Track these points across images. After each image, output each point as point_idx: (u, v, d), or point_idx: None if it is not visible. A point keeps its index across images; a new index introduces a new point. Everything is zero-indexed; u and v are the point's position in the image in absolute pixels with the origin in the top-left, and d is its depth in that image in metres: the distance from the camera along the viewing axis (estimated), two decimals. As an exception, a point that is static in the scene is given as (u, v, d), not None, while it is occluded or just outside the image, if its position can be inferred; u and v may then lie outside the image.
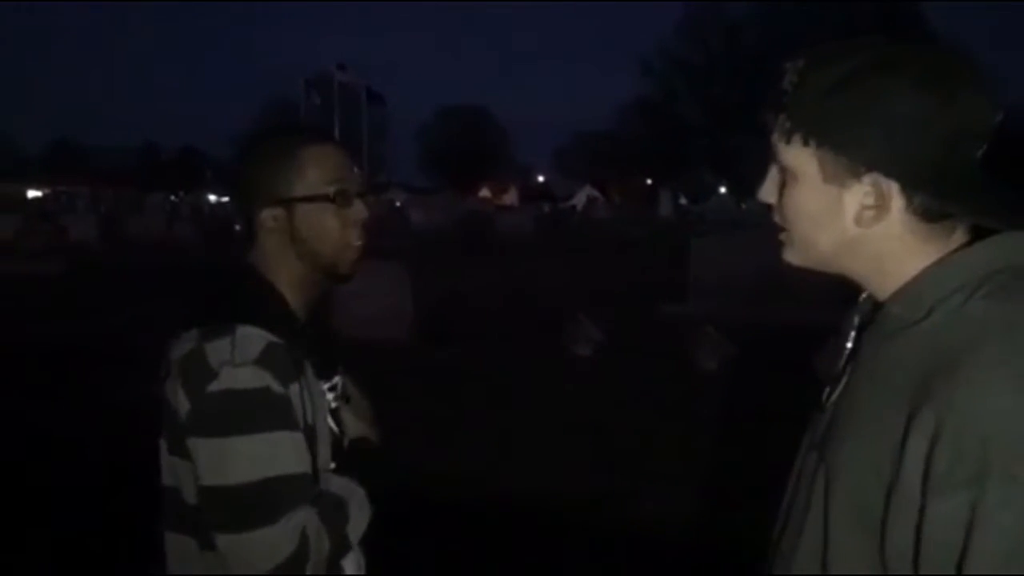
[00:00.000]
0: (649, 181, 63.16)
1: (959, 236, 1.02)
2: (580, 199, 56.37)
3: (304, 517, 1.39)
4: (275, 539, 1.35)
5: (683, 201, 48.60)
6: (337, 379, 1.65)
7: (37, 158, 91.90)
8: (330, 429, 1.54)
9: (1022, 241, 0.99)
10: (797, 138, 1.02)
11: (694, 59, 56.46)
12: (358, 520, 1.51)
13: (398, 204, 47.11)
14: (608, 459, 5.57)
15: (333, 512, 1.45)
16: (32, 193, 63.40)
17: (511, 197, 65.07)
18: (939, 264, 1.00)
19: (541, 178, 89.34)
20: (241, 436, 1.36)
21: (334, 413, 1.57)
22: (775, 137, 1.05)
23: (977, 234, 1.02)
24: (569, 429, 6.28)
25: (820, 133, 0.99)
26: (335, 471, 1.52)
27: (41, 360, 8.15)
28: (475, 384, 7.58)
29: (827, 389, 1.12)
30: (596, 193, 59.62)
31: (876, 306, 1.07)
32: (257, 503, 1.35)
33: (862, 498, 0.98)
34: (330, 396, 1.58)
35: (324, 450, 1.50)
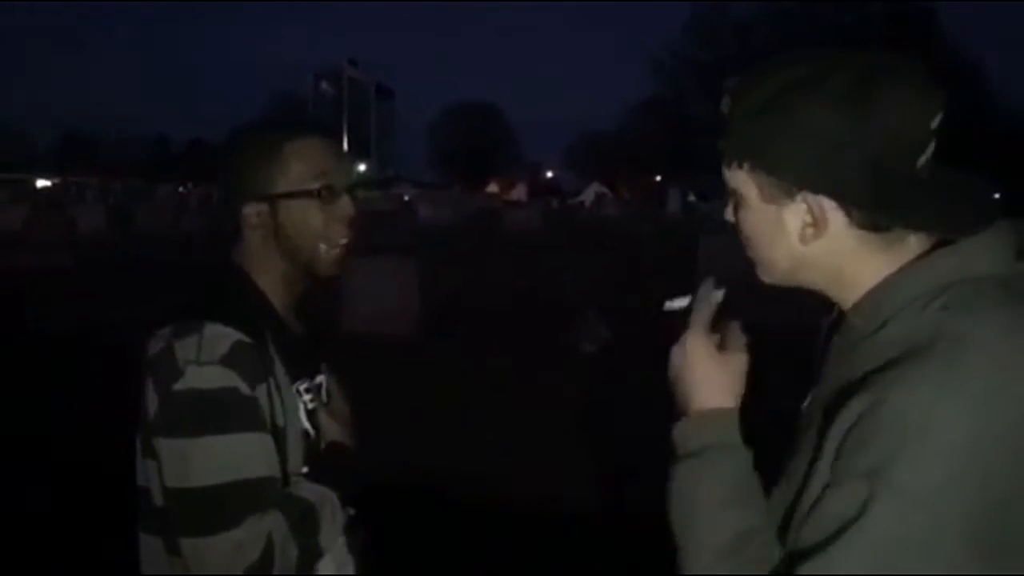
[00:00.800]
0: (658, 178, 63.12)
1: (917, 242, 1.01)
2: (588, 195, 56.40)
3: (270, 522, 1.34)
4: (238, 544, 1.31)
5: (692, 198, 48.51)
6: (320, 379, 1.60)
7: (47, 149, 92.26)
8: (304, 431, 1.49)
9: (980, 250, 0.98)
10: (734, 161, 1.04)
11: (703, 57, 56.35)
12: (330, 526, 1.45)
13: (406, 199, 47.18)
14: (613, 458, 5.55)
15: (302, 518, 1.39)
16: (41, 183, 63.60)
17: (519, 193, 65.05)
18: (896, 275, 1.00)
19: (550, 174, 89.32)
20: (204, 437, 1.32)
21: (311, 415, 1.52)
22: (722, 162, 1.06)
23: (939, 239, 1.01)
24: (573, 427, 6.26)
25: (750, 155, 1.01)
26: (308, 475, 1.46)
27: (47, 351, 8.17)
28: (480, 381, 7.56)
29: (808, 398, 1.13)
30: (604, 190, 59.64)
31: (841, 315, 1.08)
32: (220, 506, 1.31)
33: (795, 483, 1.00)
34: (307, 397, 1.52)
35: (295, 453, 1.45)
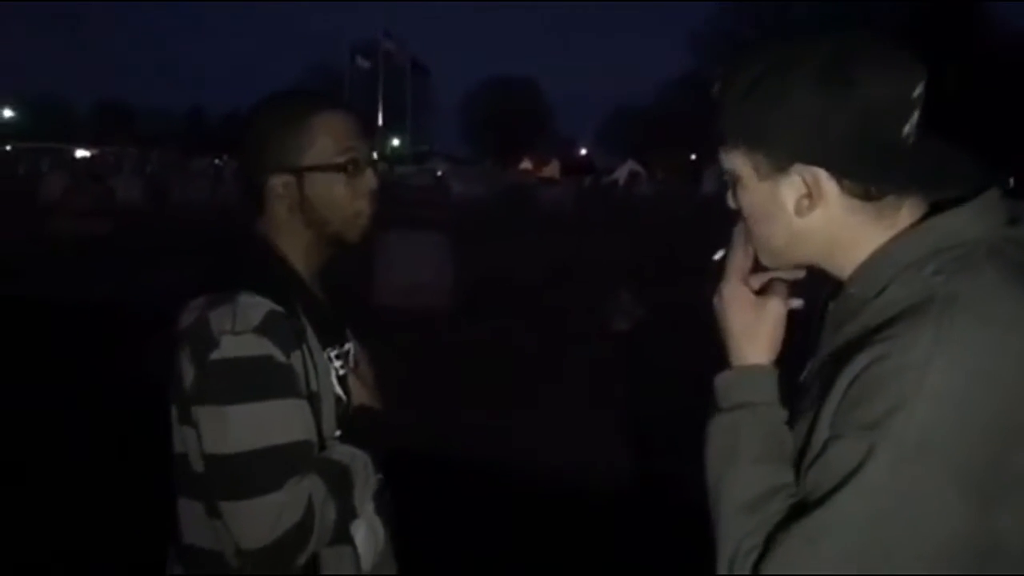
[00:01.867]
0: (693, 157, 62.56)
1: (909, 210, 1.05)
2: (622, 174, 55.96)
3: (309, 485, 1.38)
4: (280, 506, 1.34)
5: (727, 178, 48.02)
6: (348, 346, 1.63)
7: (85, 119, 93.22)
8: (337, 397, 1.52)
9: (970, 216, 1.02)
10: (729, 143, 1.09)
11: (742, 32, 55.63)
12: (363, 487, 1.49)
13: (439, 174, 47.15)
14: (640, 437, 5.56)
15: (338, 479, 1.43)
16: (80, 153, 64.30)
17: (552, 170, 64.74)
18: (892, 242, 1.04)
19: (583, 151, 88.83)
20: (242, 404, 1.35)
21: (342, 380, 1.55)
22: (719, 148, 1.12)
23: (934, 206, 1.06)
24: (602, 404, 6.27)
25: (744, 135, 1.07)
26: (340, 438, 1.50)
27: (83, 317, 8.30)
28: (511, 356, 7.59)
29: (807, 367, 1.17)
30: (639, 168, 59.13)
31: (839, 286, 1.11)
32: (259, 471, 1.34)
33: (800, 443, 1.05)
34: (338, 364, 1.56)
35: (329, 417, 1.49)
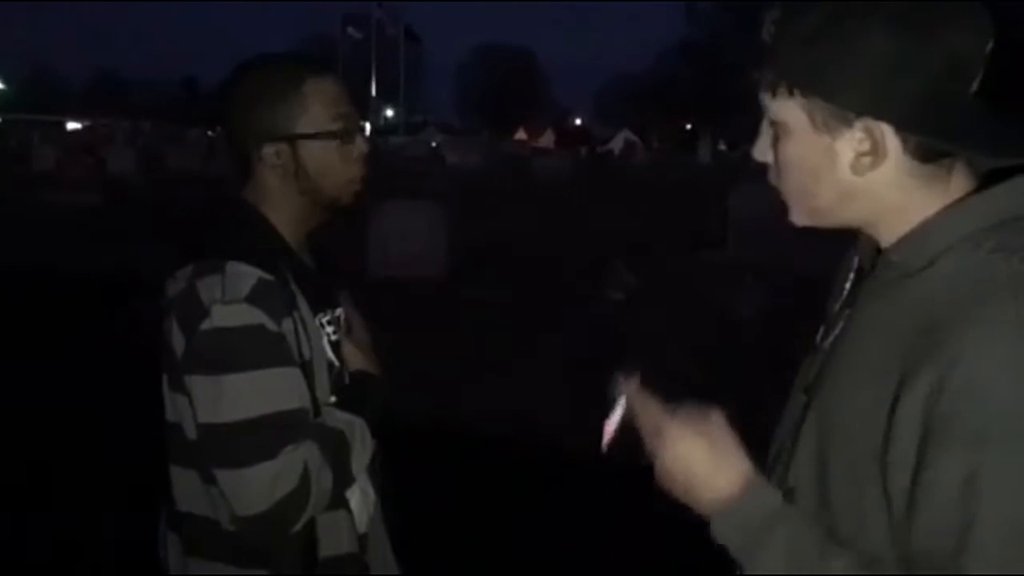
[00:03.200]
0: (688, 126, 62.40)
1: (960, 178, 0.98)
2: (618, 143, 55.80)
3: (305, 452, 1.38)
4: (276, 474, 1.34)
5: (722, 147, 47.96)
6: (339, 311, 1.62)
7: (78, 91, 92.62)
8: (329, 362, 1.52)
9: None
10: (782, 90, 0.99)
11: (740, 1, 55.28)
12: (360, 452, 1.49)
13: (434, 145, 46.99)
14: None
15: (334, 445, 1.43)
16: (72, 125, 63.91)
17: (548, 140, 64.50)
18: (946, 211, 0.97)
19: (578, 121, 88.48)
20: (234, 374, 1.35)
21: (335, 346, 1.55)
22: (762, 92, 1.02)
23: (982, 178, 0.99)
24: (597, 372, 6.26)
25: (804, 82, 0.96)
26: (336, 404, 1.50)
27: (75, 288, 8.28)
28: (506, 325, 7.58)
29: (821, 330, 1.11)
30: (634, 137, 58.98)
31: (877, 252, 1.04)
32: (253, 440, 1.34)
33: (859, 452, 0.96)
34: (330, 329, 1.55)
35: (323, 383, 1.49)
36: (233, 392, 1.35)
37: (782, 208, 1.10)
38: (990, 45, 0.94)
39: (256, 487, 1.34)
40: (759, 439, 1.16)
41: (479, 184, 23.15)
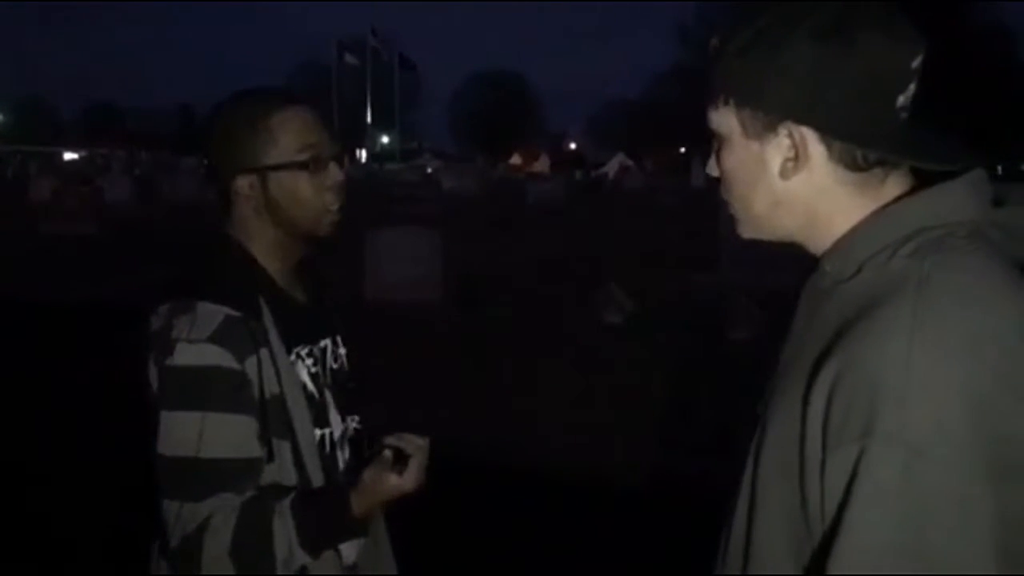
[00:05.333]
0: (683, 150, 62.60)
1: (892, 187, 1.02)
2: (612, 167, 55.90)
3: (212, 504, 1.40)
4: (176, 515, 1.41)
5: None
6: (325, 343, 1.63)
7: (73, 121, 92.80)
8: (309, 395, 1.53)
9: (953, 196, 0.98)
10: (720, 100, 1.05)
11: (729, 23, 55.57)
12: (282, 539, 1.40)
13: (429, 171, 47.07)
14: (632, 426, 5.58)
15: (256, 519, 1.40)
16: (68, 156, 64.02)
17: (542, 164, 64.57)
18: (870, 220, 1.01)
19: (573, 145, 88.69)
20: (179, 412, 1.41)
21: (315, 378, 1.56)
22: (708, 109, 1.07)
23: (915, 187, 1.02)
24: (595, 396, 6.28)
25: (735, 91, 1.03)
26: (308, 496, 1.45)
27: (71, 318, 8.28)
28: (503, 350, 7.59)
29: (783, 349, 1.13)
30: (628, 161, 59.06)
31: (815, 262, 1.08)
32: (174, 477, 1.41)
33: (783, 453, 0.98)
34: (309, 362, 1.56)
35: (302, 416, 1.49)
36: (174, 429, 1.41)
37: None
38: (919, 60, 0.98)
39: (169, 520, 1.42)
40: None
41: (474, 209, 23.20)
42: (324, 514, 1.43)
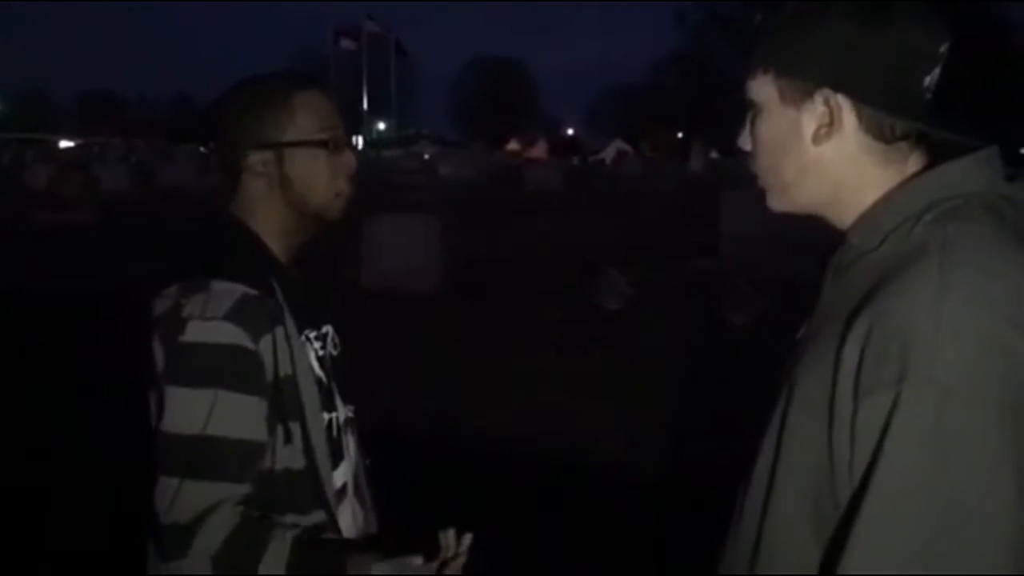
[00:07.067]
0: (680, 135, 62.51)
1: (914, 163, 1.08)
2: (610, 153, 55.86)
3: (216, 489, 1.34)
4: (174, 493, 1.34)
5: (714, 155, 48.03)
6: (327, 328, 1.62)
7: (70, 109, 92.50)
8: (318, 378, 1.51)
9: (969, 169, 1.05)
10: (759, 70, 1.11)
11: (727, 9, 55.52)
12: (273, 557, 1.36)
13: (427, 157, 46.99)
14: (633, 412, 5.58)
15: (254, 529, 1.36)
16: (64, 144, 63.78)
17: (540, 150, 64.49)
18: (894, 192, 1.07)
19: (571, 131, 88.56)
20: (189, 388, 1.36)
21: (322, 362, 1.55)
22: (746, 80, 1.14)
23: (934, 163, 1.07)
24: (594, 382, 6.28)
25: (774, 60, 1.09)
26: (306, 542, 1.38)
27: (70, 306, 8.26)
28: (502, 337, 7.59)
29: (802, 327, 1.16)
30: (626, 147, 59.03)
31: (840, 237, 1.12)
32: (180, 455, 1.35)
33: (811, 412, 1.02)
34: (317, 345, 1.55)
35: (312, 398, 1.47)
36: (184, 405, 1.36)
37: (773, 214, 1.18)
38: (945, 47, 1.06)
39: (164, 499, 1.35)
40: (754, 443, 1.16)
41: (472, 195, 23.16)
42: (319, 561, 1.38)
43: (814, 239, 1.19)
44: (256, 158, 1.49)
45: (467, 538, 1.45)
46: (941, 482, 0.89)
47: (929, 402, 0.89)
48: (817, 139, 1.08)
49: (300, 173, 1.50)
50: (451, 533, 1.45)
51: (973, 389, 0.89)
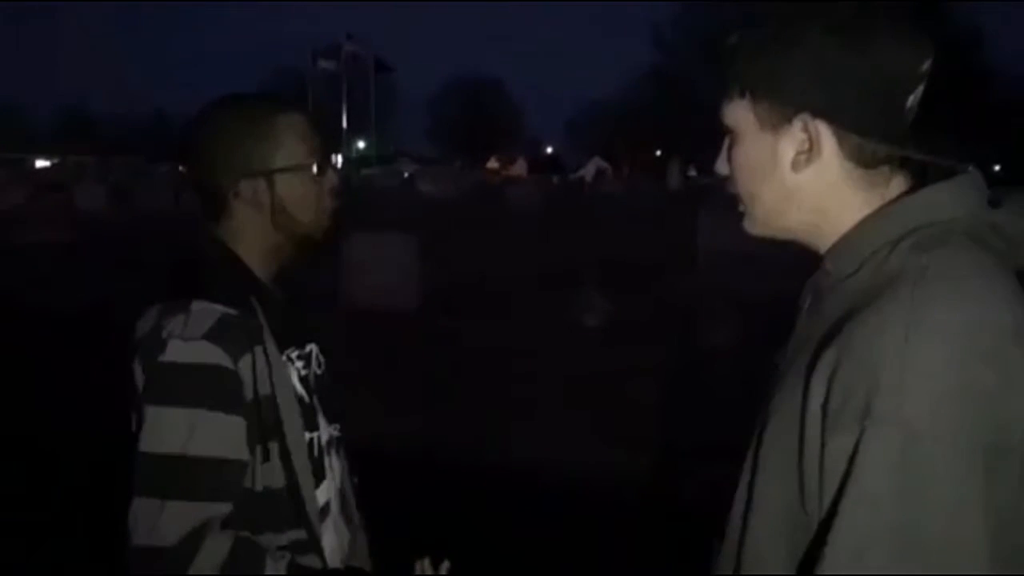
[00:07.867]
0: (658, 153, 62.86)
1: (896, 187, 1.05)
2: (589, 171, 56.14)
3: (204, 510, 1.33)
4: (156, 512, 1.31)
5: (692, 173, 48.33)
6: (311, 347, 1.62)
7: (45, 128, 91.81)
8: (299, 397, 1.51)
9: (949, 195, 1.01)
10: (735, 94, 1.07)
11: (709, 28, 56.02)
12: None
13: (406, 175, 47.02)
14: (611, 430, 5.58)
15: (244, 552, 1.35)
16: (40, 163, 63.32)
17: (519, 168, 64.75)
18: (872, 217, 1.04)
19: (550, 149, 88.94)
20: (169, 408, 1.35)
21: (304, 381, 1.55)
22: (722, 104, 1.10)
23: (915, 187, 1.04)
24: (572, 399, 6.29)
25: (753, 84, 1.05)
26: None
27: (48, 327, 8.18)
28: (482, 355, 7.58)
29: (781, 349, 1.15)
30: (605, 165, 59.37)
31: (819, 261, 1.10)
32: (177, 474, 1.33)
33: (784, 442, 1.00)
34: (299, 364, 1.55)
35: (293, 418, 1.46)
36: (163, 424, 1.35)
37: (751, 236, 1.15)
38: (928, 64, 1.02)
39: (145, 520, 1.32)
40: (735, 460, 1.17)
41: (452, 213, 23.16)
42: None
43: (792, 257, 1.18)
44: (247, 186, 1.49)
45: (445, 566, 1.46)
46: (907, 527, 0.87)
47: (894, 443, 0.87)
48: (796, 166, 1.04)
49: (292, 197, 1.51)
50: (427, 562, 1.45)
51: (941, 431, 0.87)
